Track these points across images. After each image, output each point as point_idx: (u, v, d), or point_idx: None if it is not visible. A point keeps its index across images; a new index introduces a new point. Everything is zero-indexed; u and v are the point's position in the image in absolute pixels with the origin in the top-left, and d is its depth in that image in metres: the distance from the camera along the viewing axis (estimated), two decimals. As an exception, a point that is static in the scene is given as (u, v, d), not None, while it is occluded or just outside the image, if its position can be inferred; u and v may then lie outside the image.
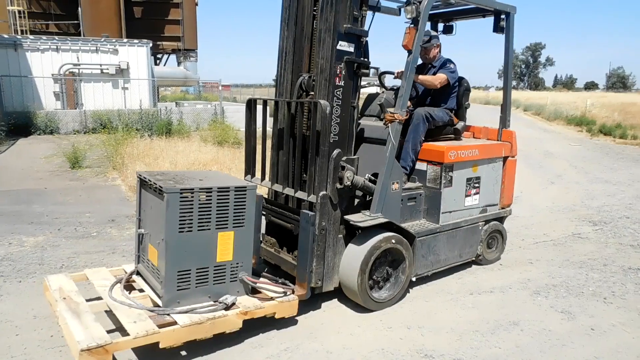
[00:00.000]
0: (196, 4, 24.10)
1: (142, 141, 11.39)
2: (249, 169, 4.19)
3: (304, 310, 3.58)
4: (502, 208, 4.89)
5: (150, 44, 17.82)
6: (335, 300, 3.89)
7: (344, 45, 3.54)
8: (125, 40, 17.83)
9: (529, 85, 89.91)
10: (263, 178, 4.11)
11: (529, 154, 12.43)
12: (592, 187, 8.97)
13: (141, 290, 3.38)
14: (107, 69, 16.59)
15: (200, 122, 16.08)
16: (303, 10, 3.72)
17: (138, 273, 3.57)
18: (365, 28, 3.74)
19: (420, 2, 3.77)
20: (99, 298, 3.29)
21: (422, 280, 4.24)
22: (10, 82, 15.20)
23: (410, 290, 4.14)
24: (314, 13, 3.67)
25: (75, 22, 20.93)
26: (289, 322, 3.48)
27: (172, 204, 2.96)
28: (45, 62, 16.08)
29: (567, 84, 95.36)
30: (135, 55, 17.18)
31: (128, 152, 9.69)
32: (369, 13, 3.84)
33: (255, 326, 3.32)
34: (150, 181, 3.21)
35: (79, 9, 20.29)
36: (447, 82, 4.42)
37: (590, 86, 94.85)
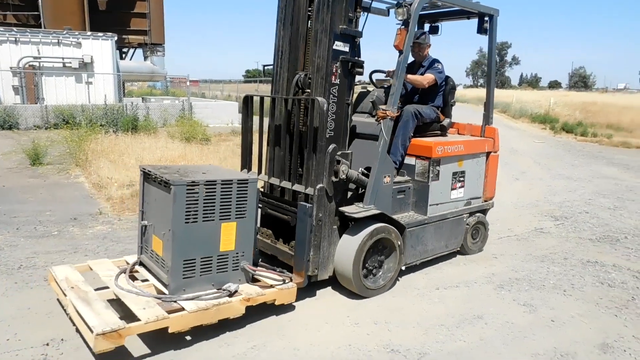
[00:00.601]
0: (163, -3, 23.61)
1: (107, 137, 11.10)
2: (245, 163, 4.30)
3: (269, 308, 3.56)
4: (485, 201, 5.12)
5: (116, 38, 17.36)
6: (306, 295, 3.87)
7: (339, 45, 3.69)
8: (89, 33, 17.31)
9: (496, 84, 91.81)
10: (259, 172, 4.25)
11: (495, 150, 12.70)
12: (554, 183, 9.24)
13: (145, 280, 3.53)
14: (70, 62, 16.08)
15: (168, 117, 15.77)
16: (298, 11, 3.86)
17: (141, 263, 3.70)
18: (359, 29, 3.88)
19: (410, 5, 3.94)
20: (105, 287, 3.41)
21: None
22: (-35, 75, 14.57)
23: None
24: (309, 13, 3.82)
25: (36, 13, 20.17)
26: (245, 322, 3.44)
27: (179, 196, 3.10)
28: (3, 55, 15.48)
29: (532, 82, 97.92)
30: (99, 48, 16.71)
31: (92, 148, 9.43)
32: (363, 15, 3.95)
33: (223, 324, 3.28)
34: (156, 175, 3.35)
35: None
36: (435, 81, 4.60)
37: (554, 85, 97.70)
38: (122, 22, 22.25)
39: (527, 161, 11.65)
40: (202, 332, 3.20)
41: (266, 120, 4.16)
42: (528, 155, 12.66)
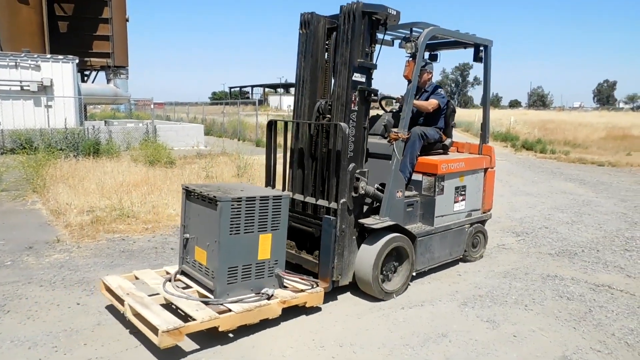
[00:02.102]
0: (127, 20, 23.40)
1: (67, 162, 10.78)
2: (269, 181, 4.76)
3: (234, 334, 3.48)
4: (484, 212, 5.59)
5: (77, 60, 16.98)
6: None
7: (357, 77, 4.12)
8: (48, 55, 16.88)
9: (459, 103, 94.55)
10: (284, 189, 4.68)
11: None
12: (515, 199, 9.49)
13: (187, 287, 3.90)
14: (28, 85, 15.60)
15: (131, 141, 15.45)
16: (317, 45, 4.37)
17: (182, 272, 4.10)
18: (374, 61, 4.28)
19: (417, 39, 4.45)
20: (155, 293, 3.77)
21: (355, 296, 4.28)
22: None
23: (343, 307, 4.16)
24: (326, 47, 4.44)
25: (-8, 35, 19.63)
26: (212, 344, 3.37)
27: (225, 211, 3.50)
28: (-43, 78, 14.90)
29: (493, 102, 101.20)
30: (60, 71, 16.29)
31: (50, 173, 9.13)
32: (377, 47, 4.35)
33: (186, 343, 3.19)
34: (201, 192, 3.78)
35: (-4, 22, 19.08)
36: (438, 106, 5.08)
37: (515, 104, 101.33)
38: (84, 44, 21.87)
39: (489, 178, 11.91)
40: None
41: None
42: (490, 172, 12.95)
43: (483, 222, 5.62)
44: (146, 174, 9.51)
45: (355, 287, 4.34)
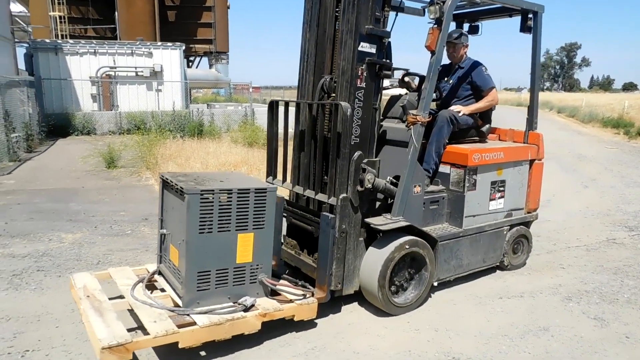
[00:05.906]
0: (228, 7, 24.53)
1: (175, 142, 11.66)
2: (271, 171, 4.14)
3: (328, 311, 3.62)
4: (528, 212, 4.77)
5: (183, 47, 18.21)
6: (358, 303, 3.91)
7: (365, 47, 3.49)
8: (159, 43, 18.29)
9: (564, 87, 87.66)
10: (285, 180, 4.06)
11: (562, 157, 12.16)
12: (628, 191, 8.69)
13: (162, 290, 3.42)
14: (142, 71, 17.05)
15: (231, 123, 16.32)
16: (325, 12, 3.67)
17: (160, 273, 3.59)
18: (388, 29, 3.66)
19: (444, 2, 3.65)
20: (122, 297, 3.34)
21: (449, 283, 4.23)
22: (50, 84, 15.82)
23: (437, 293, 4.12)
24: (336, 14, 3.63)
25: (112, 26, 21.62)
26: (309, 324, 3.48)
27: (192, 205, 2.98)
28: (84, 65, 16.65)
29: (604, 85, 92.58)
30: (168, 58, 17.60)
31: (161, 152, 9.95)
32: (392, 14, 3.78)
33: (276, 327, 3.38)
34: (172, 182, 3.23)
35: (116, 13, 20.94)
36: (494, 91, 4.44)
37: (629, 87, 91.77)
38: (190, 32, 23.35)
39: (597, 168, 11.03)
40: (254, 336, 3.22)
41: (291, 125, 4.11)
42: (598, 161, 11.99)
43: (527, 223, 4.78)
44: (245, 155, 10.00)
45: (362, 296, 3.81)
